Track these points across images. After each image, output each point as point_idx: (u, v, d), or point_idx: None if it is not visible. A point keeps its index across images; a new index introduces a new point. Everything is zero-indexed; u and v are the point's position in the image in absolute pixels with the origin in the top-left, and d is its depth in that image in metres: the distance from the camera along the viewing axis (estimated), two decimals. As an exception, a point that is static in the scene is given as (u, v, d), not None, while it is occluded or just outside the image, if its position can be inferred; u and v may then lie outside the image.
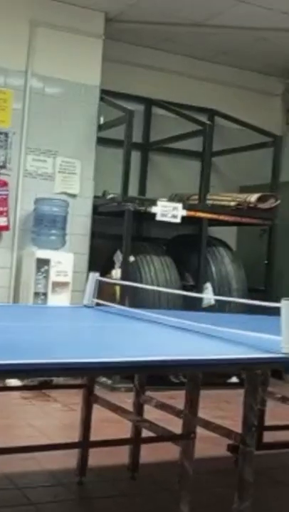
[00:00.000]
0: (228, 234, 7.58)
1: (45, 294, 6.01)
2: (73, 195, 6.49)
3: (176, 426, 3.00)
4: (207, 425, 3.25)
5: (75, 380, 4.45)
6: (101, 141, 6.69)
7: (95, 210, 6.59)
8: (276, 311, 2.72)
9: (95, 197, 6.63)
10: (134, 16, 6.65)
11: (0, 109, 6.23)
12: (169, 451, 3.15)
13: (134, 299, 6.10)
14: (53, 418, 5.04)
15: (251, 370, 2.89)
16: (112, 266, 6.53)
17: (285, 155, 7.27)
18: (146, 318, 3.59)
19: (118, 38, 6.95)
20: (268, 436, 4.06)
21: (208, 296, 6.55)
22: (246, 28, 6.72)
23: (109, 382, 6.00)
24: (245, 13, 6.36)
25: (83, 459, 3.62)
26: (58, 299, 5.97)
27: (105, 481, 3.73)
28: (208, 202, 6.63)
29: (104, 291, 5.00)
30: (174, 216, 6.24)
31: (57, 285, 6.04)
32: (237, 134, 7.58)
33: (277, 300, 2.71)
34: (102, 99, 6.62)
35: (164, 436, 3.07)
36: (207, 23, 6.67)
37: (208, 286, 6.71)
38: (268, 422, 4.12)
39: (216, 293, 6.68)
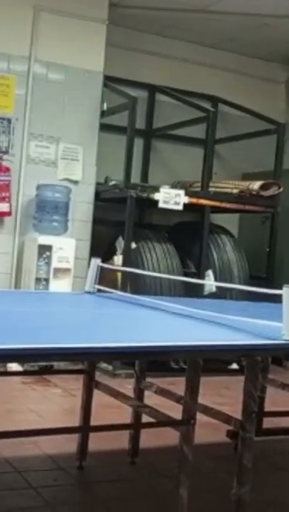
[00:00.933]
0: (230, 221, 7.58)
1: (46, 280, 6.02)
2: (76, 182, 6.48)
3: (176, 412, 3.01)
4: (207, 411, 3.27)
5: (76, 366, 4.48)
6: (104, 128, 6.67)
7: (97, 197, 6.59)
8: (277, 298, 2.72)
9: (98, 183, 6.62)
10: (138, 1, 6.62)
11: (3, 94, 6.22)
12: (169, 437, 3.16)
13: (136, 285, 6.11)
14: (53, 403, 5.07)
15: (252, 356, 2.90)
16: (113, 252, 6.53)
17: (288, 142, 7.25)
18: (148, 304, 3.60)
19: (122, 23, 6.92)
20: (268, 423, 4.08)
21: (210, 282, 6.56)
22: (250, 14, 6.68)
23: (109, 368, 6.02)
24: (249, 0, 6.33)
25: (83, 443, 3.64)
26: (60, 285, 5.98)
27: (105, 465, 3.75)
28: (211, 189, 6.62)
29: (105, 278, 5.00)
30: (177, 203, 6.24)
31: (58, 271, 6.04)
32: (240, 121, 7.56)
33: (279, 287, 2.72)
34: (105, 85, 6.60)
35: (164, 421, 3.09)
36: (211, 9, 6.63)
37: (210, 273, 6.71)
38: (267, 409, 4.14)
39: (217, 280, 6.69)
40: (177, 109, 7.23)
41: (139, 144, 7.13)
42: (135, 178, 6.85)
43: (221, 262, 6.83)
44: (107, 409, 4.00)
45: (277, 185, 6.71)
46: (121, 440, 3.80)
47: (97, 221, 6.60)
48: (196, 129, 7.10)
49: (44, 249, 6.02)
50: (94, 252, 6.20)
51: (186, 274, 6.50)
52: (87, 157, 6.52)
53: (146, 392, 3.75)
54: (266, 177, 6.92)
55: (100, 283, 4.02)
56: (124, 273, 6.06)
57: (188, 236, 6.92)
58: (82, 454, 3.65)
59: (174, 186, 6.82)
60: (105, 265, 4.47)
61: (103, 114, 6.62)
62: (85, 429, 3.68)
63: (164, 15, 6.88)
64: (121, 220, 6.28)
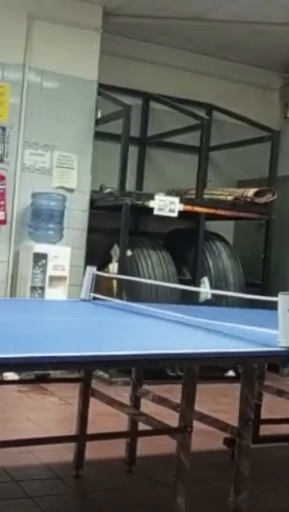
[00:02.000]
0: (225, 228, 7.59)
1: (42, 288, 6.01)
2: (70, 190, 6.48)
3: (173, 419, 3.00)
4: (204, 419, 3.27)
5: (72, 374, 4.47)
6: (98, 136, 6.68)
7: (92, 205, 6.59)
8: (273, 305, 2.73)
9: (93, 191, 6.63)
10: (132, 9, 6.64)
11: (-3, 103, 6.22)
12: (166, 445, 3.16)
13: (131, 293, 6.11)
14: (49, 412, 5.05)
15: (248, 363, 2.91)
16: (109, 260, 6.53)
17: (283, 149, 7.25)
18: (144, 312, 3.59)
19: (116, 31, 6.93)
20: (265, 430, 4.07)
21: (206, 290, 6.56)
22: (244, 21, 6.70)
23: (106, 375, 6.01)
24: (243, 7, 6.35)
25: (80, 452, 3.64)
26: (55, 293, 5.97)
27: (102, 474, 3.74)
28: (206, 196, 6.63)
29: (101, 286, 5.00)
30: (172, 210, 6.24)
31: (54, 279, 6.04)
32: (235, 128, 7.57)
33: (274, 294, 2.72)
34: (99, 93, 6.61)
35: (160, 429, 3.08)
36: (205, 16, 6.66)
37: (205, 280, 6.72)
38: (264, 416, 4.14)
39: (213, 287, 6.69)
40: (171, 117, 7.25)
41: (133, 151, 7.14)
42: (130, 185, 6.86)
43: (216, 269, 6.84)
44: (104, 418, 3.99)
45: (272, 192, 6.73)
46: (118, 448, 3.79)
47: (92, 229, 6.60)
48: (191, 137, 7.11)
49: (39, 258, 6.02)
50: (89, 260, 6.19)
51: (181, 282, 6.50)
52: (82, 165, 6.53)
53: (143, 400, 3.75)
54: (261, 184, 6.93)
55: (95, 291, 4.02)
56: (119, 281, 6.06)
57: (184, 243, 6.93)
58: (79, 463, 3.64)
59: (168, 194, 6.83)
60: (101, 273, 4.47)
61: (98, 122, 6.63)
62: (81, 437, 3.67)
63: (158, 23, 6.90)
64: (116, 228, 6.28)
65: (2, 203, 6.12)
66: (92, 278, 3.97)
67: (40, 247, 6.05)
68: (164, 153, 7.69)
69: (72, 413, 3.80)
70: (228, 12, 6.51)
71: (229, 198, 6.69)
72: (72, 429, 3.70)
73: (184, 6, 6.46)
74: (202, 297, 6.50)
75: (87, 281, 3.98)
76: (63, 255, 6.10)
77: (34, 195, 6.24)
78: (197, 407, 3.00)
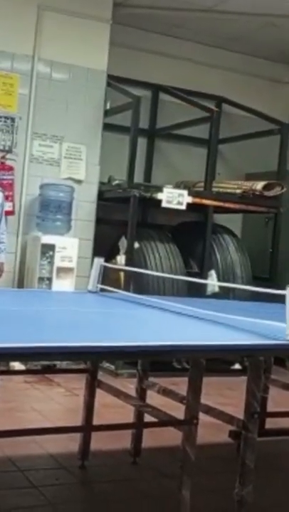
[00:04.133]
0: (233, 221, 7.57)
1: (49, 279, 6.02)
2: (79, 181, 6.48)
3: (178, 412, 3.01)
4: (209, 411, 3.27)
5: (78, 365, 4.48)
6: (107, 127, 6.67)
7: (101, 196, 6.58)
8: (280, 299, 2.72)
9: (101, 183, 6.62)
10: (143, 0, 6.61)
11: (7, 93, 6.21)
12: (172, 437, 3.16)
13: (139, 285, 6.11)
14: (55, 402, 5.06)
15: (254, 356, 2.90)
16: (116, 252, 6.53)
17: (292, 143, 7.23)
18: (151, 304, 3.59)
19: (126, 23, 6.91)
20: (270, 423, 4.07)
21: (213, 283, 6.55)
22: (255, 14, 6.67)
23: (112, 367, 6.02)
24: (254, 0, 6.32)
25: (85, 443, 3.64)
26: (62, 285, 5.97)
27: (107, 465, 3.74)
28: (214, 189, 6.62)
29: (108, 277, 5.01)
30: (180, 203, 6.23)
31: (61, 270, 6.04)
32: (244, 121, 7.54)
33: (282, 288, 2.71)
34: (108, 84, 6.60)
35: (166, 421, 3.09)
36: (216, 8, 6.62)
37: (213, 273, 6.71)
38: (270, 409, 4.13)
39: (220, 280, 6.69)
40: (181, 109, 7.22)
41: (142, 143, 7.13)
42: (138, 177, 6.84)
43: (224, 262, 6.83)
44: (110, 409, 3.99)
45: (281, 185, 6.70)
46: (123, 440, 3.79)
47: (100, 221, 6.60)
48: (200, 129, 7.09)
49: (47, 249, 6.02)
50: (97, 251, 6.19)
51: (188, 274, 6.50)
52: (90, 156, 6.52)
53: (149, 392, 3.75)
54: (269, 177, 6.91)
55: (102, 282, 4.02)
56: (127, 272, 6.05)
57: (191, 236, 6.91)
58: (84, 454, 3.65)
59: (177, 186, 6.82)
60: (108, 265, 4.47)
61: (106, 113, 6.61)
62: (87, 428, 3.68)
63: (168, 14, 6.87)
64: (124, 220, 6.28)
65: (10, 193, 6.12)
66: (99, 269, 3.97)
67: (48, 238, 6.05)
68: (172, 145, 7.68)
69: (78, 404, 3.81)
70: (238, 4, 6.48)
71: (238, 191, 6.68)
72: (77, 420, 3.70)
73: (194, -3, 6.43)
74: (209, 290, 6.49)
75: (95, 272, 3.98)
76: (71, 246, 6.10)
77: (42, 186, 6.24)
78: (203, 400, 3.01)
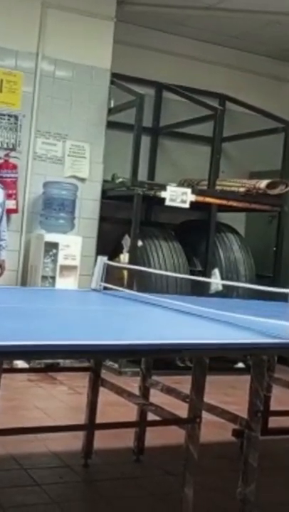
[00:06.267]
0: (236, 220, 7.57)
1: (53, 278, 6.02)
2: (82, 179, 6.48)
3: (182, 410, 3.01)
4: (213, 410, 3.26)
5: (82, 364, 4.48)
6: (111, 125, 6.67)
7: (104, 194, 6.58)
8: (284, 297, 2.72)
9: (104, 181, 6.62)
10: (146, -2, 6.61)
11: (10, 91, 6.21)
12: (175, 435, 3.16)
13: (142, 283, 6.11)
14: (59, 401, 5.07)
15: (258, 355, 2.90)
16: (120, 250, 6.53)
17: (296, 141, 7.22)
18: (154, 302, 3.59)
19: (130, 20, 6.90)
20: (273, 422, 4.07)
21: (216, 281, 6.55)
22: (258, 11, 6.65)
23: (115, 365, 6.02)
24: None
25: (89, 441, 3.64)
26: (66, 283, 5.98)
27: (110, 463, 3.74)
28: (218, 187, 6.61)
29: (112, 276, 5.00)
30: (183, 201, 6.23)
31: (65, 269, 6.05)
32: (248, 119, 7.53)
33: (285, 286, 2.71)
34: (112, 82, 6.59)
35: (169, 420, 3.09)
36: (219, 6, 6.61)
37: (216, 271, 6.70)
38: (273, 408, 4.13)
39: (223, 279, 6.68)
40: (184, 107, 7.22)
41: (146, 141, 7.12)
42: (142, 175, 6.84)
43: (227, 260, 6.82)
44: (113, 407, 3.99)
45: (285, 183, 6.69)
46: (126, 438, 3.80)
47: (103, 219, 6.60)
48: (204, 127, 7.09)
49: (50, 247, 6.03)
50: (100, 249, 6.19)
51: (192, 273, 6.50)
52: (94, 154, 6.52)
53: (152, 391, 3.75)
54: (273, 176, 6.89)
55: (106, 281, 4.01)
56: (130, 271, 6.05)
57: (195, 234, 6.91)
58: (87, 452, 3.65)
59: (180, 184, 6.82)
60: (112, 263, 4.47)
61: (110, 111, 6.61)
62: (90, 426, 3.68)
63: (172, 12, 6.86)
64: (127, 218, 6.27)
65: (14, 191, 6.12)
66: (103, 268, 3.97)
67: (51, 237, 6.05)
68: (176, 143, 7.67)
69: (82, 402, 3.80)
70: (241, 2, 6.46)
71: (241, 189, 6.66)
72: (81, 418, 3.70)
73: (198, -5, 6.42)
74: (213, 288, 6.48)
75: (98, 271, 3.98)
76: (74, 245, 6.10)
77: (46, 185, 6.24)
78: (206, 399, 3.00)
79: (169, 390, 3.51)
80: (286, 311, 2.66)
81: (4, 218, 5.52)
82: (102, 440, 3.74)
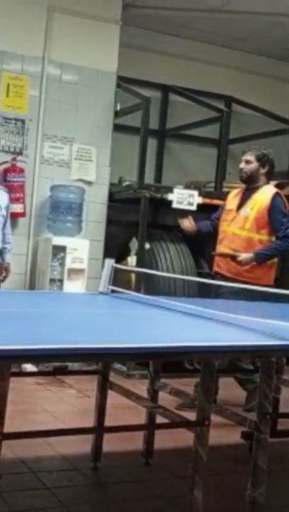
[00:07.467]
0: (244, 222, 7.53)
1: (60, 281, 6.03)
2: (89, 182, 6.49)
3: (190, 413, 3.00)
4: (221, 412, 3.26)
5: (90, 367, 4.48)
6: (117, 128, 6.68)
7: (111, 197, 6.59)
8: (291, 299, 2.71)
9: (111, 184, 6.63)
10: (151, 1, 6.62)
11: (17, 95, 6.23)
12: (183, 438, 3.16)
13: (150, 286, 6.10)
14: (67, 404, 5.07)
15: (266, 357, 2.89)
16: (127, 253, 6.53)
17: (303, 142, 7.21)
18: (162, 305, 3.59)
19: (135, 23, 6.92)
20: (282, 424, 4.05)
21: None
22: (264, 13, 6.66)
23: (124, 368, 6.02)
24: (262, -1, 6.32)
25: (98, 444, 3.64)
26: (74, 286, 5.98)
27: (120, 466, 3.74)
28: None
29: (119, 278, 5.00)
30: (190, 203, 6.23)
31: (72, 272, 6.05)
32: (254, 120, 7.53)
33: (293, 288, 2.71)
34: (118, 85, 6.60)
35: (178, 422, 3.08)
36: (224, 8, 6.62)
37: (224, 273, 6.67)
38: (282, 410, 4.12)
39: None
40: (191, 109, 7.22)
41: (152, 144, 7.13)
42: (149, 178, 6.85)
43: (234, 262, 6.78)
44: (122, 410, 3.99)
45: (292, 185, 6.67)
46: (135, 441, 3.79)
47: (110, 222, 6.60)
48: (210, 129, 7.09)
49: (58, 250, 6.04)
50: (108, 252, 6.20)
51: (199, 275, 6.49)
52: (100, 158, 6.53)
53: (161, 393, 3.75)
54: (280, 177, 6.87)
55: (113, 284, 4.01)
56: (138, 274, 6.05)
57: (202, 236, 6.89)
58: (96, 455, 3.65)
59: (187, 187, 6.81)
60: (119, 266, 4.47)
61: (116, 114, 6.62)
62: (99, 430, 3.68)
63: (177, 15, 6.87)
64: (135, 221, 6.28)
65: (21, 195, 6.13)
66: (110, 271, 3.97)
67: (58, 240, 6.06)
68: (183, 145, 7.67)
69: (90, 405, 3.80)
70: (247, 4, 6.47)
71: (248, 191, 6.64)
72: (89, 422, 3.70)
73: (203, -3, 6.43)
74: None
75: (106, 274, 3.98)
76: (82, 248, 6.11)
77: (53, 188, 6.25)
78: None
79: (178, 393, 3.51)
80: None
81: (9, 222, 5.54)
82: (111, 443, 3.74)
